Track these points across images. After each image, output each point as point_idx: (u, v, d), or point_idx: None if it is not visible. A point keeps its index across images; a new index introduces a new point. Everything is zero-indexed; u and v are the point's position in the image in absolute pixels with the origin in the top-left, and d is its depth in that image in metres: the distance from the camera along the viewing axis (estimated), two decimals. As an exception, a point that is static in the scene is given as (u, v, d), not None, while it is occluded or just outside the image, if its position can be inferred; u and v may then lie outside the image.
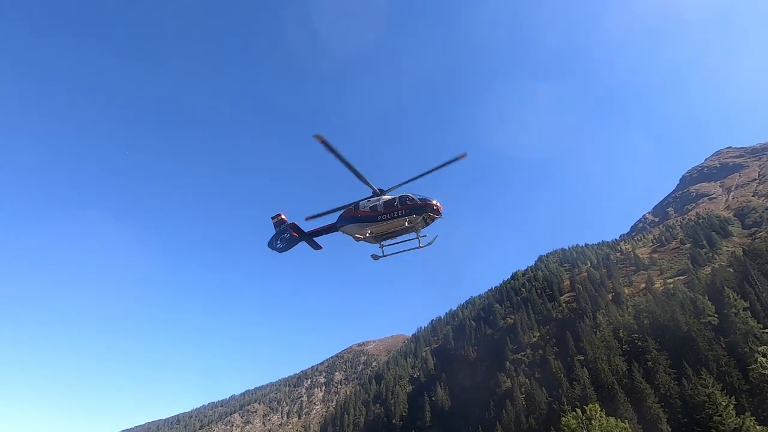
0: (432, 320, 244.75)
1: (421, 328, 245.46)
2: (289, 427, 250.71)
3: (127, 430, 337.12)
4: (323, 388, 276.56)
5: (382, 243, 25.57)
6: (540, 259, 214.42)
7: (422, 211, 23.60)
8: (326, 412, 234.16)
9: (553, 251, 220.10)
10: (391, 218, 24.20)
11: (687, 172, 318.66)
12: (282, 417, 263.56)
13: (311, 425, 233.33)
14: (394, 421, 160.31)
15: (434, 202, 23.89)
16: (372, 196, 25.34)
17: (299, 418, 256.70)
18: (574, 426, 56.27)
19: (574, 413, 59.77)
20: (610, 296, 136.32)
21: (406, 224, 23.81)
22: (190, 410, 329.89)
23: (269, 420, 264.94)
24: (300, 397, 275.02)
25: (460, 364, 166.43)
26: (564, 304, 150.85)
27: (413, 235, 24.89)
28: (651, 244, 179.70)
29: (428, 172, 23.03)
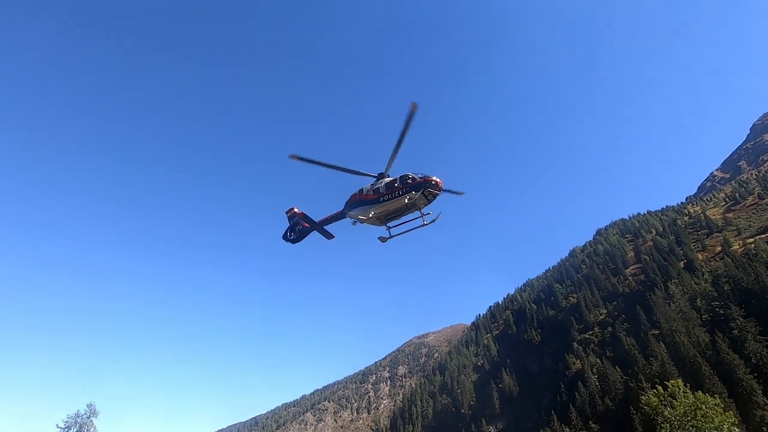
0: (490, 306, 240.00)
1: (479, 315, 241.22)
2: (360, 422, 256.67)
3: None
4: (388, 382, 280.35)
5: (388, 225, 26.24)
6: (599, 232, 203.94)
7: (421, 188, 23.93)
8: (394, 406, 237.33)
9: (612, 223, 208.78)
10: (392, 198, 24.76)
11: (758, 120, 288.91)
12: (352, 413, 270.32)
13: (381, 420, 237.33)
14: (462, 411, 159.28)
15: (434, 178, 24.15)
16: (375, 181, 26.09)
17: (368, 413, 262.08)
18: (655, 404, 52.80)
19: (654, 391, 56.10)
20: (681, 264, 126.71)
21: (406, 201, 24.17)
22: (265, 412, 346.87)
23: (340, 417, 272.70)
24: (367, 393, 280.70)
25: (525, 349, 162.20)
26: (630, 278, 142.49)
27: (417, 213, 25.25)
28: (723, 203, 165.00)
29: (402, 136, 22.65)
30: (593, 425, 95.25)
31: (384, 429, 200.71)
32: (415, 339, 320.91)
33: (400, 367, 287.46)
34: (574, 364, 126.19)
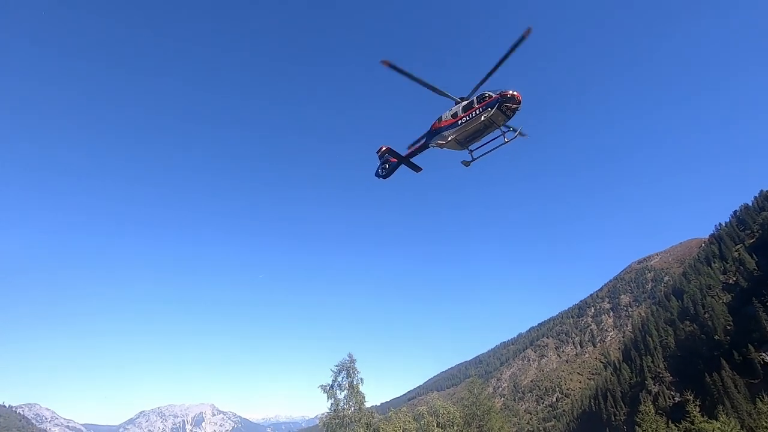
0: (735, 211, 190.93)
1: (720, 224, 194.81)
2: (586, 356, 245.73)
3: (444, 371, 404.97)
4: (611, 313, 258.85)
5: (470, 148, 25.99)
6: None
7: (497, 103, 22.75)
8: (623, 337, 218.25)
9: None
10: (470, 119, 24.21)
11: None
12: (575, 347, 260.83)
13: (610, 352, 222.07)
14: (716, 337, 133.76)
15: (510, 91, 22.70)
16: (454, 105, 25.62)
17: (594, 346, 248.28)
18: None
19: None
20: None
21: (483, 119, 23.39)
22: (486, 351, 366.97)
23: (563, 351, 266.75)
24: (588, 326, 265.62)
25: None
26: None
27: (499, 132, 24.34)
28: None
29: (501, 62, 21.38)
30: None
31: (616, 361, 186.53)
32: (635, 264, 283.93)
33: (622, 296, 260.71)
34: None
